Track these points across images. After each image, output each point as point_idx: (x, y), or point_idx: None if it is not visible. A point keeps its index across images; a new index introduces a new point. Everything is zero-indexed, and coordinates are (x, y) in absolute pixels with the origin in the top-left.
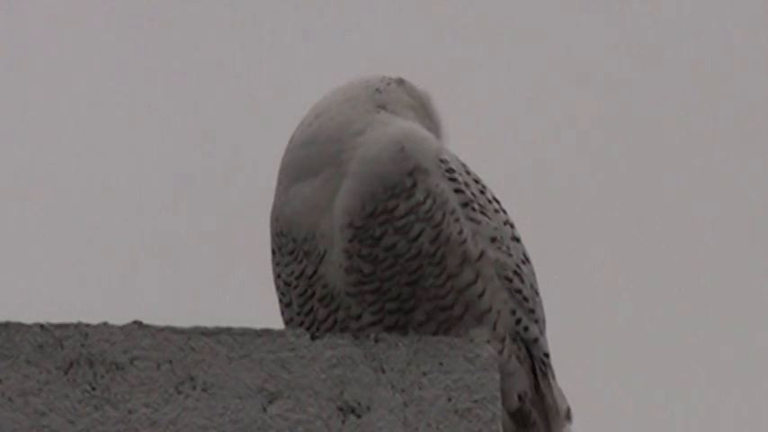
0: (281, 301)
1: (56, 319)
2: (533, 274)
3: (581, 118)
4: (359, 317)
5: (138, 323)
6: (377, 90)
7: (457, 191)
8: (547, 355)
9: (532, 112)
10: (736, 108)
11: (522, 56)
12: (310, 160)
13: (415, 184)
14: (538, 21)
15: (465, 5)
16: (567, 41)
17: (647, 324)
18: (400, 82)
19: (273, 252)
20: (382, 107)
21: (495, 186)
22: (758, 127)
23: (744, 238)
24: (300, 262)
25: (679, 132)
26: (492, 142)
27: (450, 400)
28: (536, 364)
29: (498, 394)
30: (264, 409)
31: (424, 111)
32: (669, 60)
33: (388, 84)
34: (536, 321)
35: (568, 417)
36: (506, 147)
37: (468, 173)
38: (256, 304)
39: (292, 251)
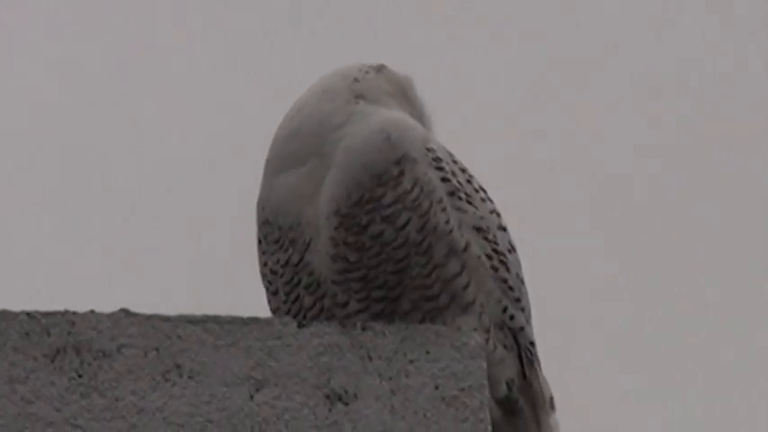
0: (267, 289)
1: (43, 307)
2: (519, 263)
3: (582, 116)
4: (345, 305)
5: (125, 311)
6: (354, 80)
7: (444, 180)
8: (532, 343)
9: (534, 111)
10: (737, 107)
11: (522, 54)
12: (294, 153)
13: (402, 173)
14: (539, 19)
15: (467, 4)
16: (568, 40)
17: (648, 324)
18: (380, 69)
19: (259, 241)
20: (361, 97)
21: (501, 181)
22: (759, 126)
23: (744, 237)
24: (286, 250)
25: (679, 132)
26: (495, 139)
27: (437, 388)
28: (522, 352)
29: (485, 382)
30: (251, 397)
31: (404, 97)
32: (670, 61)
33: (367, 72)
34: (522, 310)
35: (552, 405)
36: (508, 143)
37: (454, 162)
38: (243, 293)
39: (278, 239)
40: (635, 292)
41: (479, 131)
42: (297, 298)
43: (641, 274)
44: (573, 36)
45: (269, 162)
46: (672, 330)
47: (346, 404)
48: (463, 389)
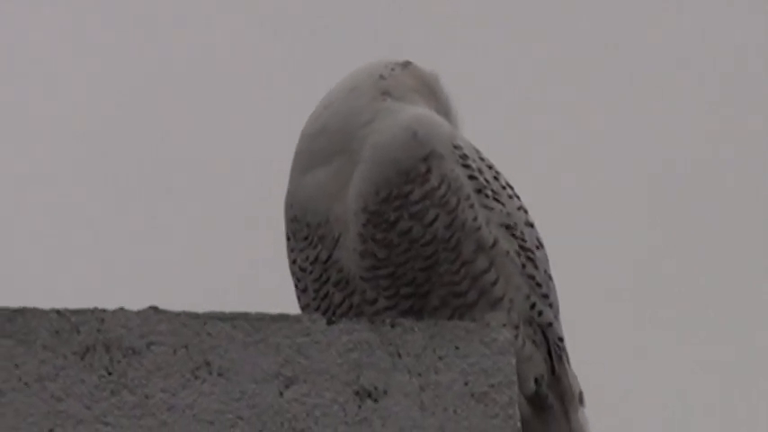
0: (296, 286)
1: (72, 305)
2: (547, 259)
3: (581, 116)
4: (374, 301)
5: (154, 308)
6: (380, 77)
7: (471, 177)
8: (561, 339)
9: (533, 111)
10: (735, 107)
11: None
12: (322, 150)
13: (429, 170)
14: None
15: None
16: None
17: (648, 323)
18: (405, 65)
19: (288, 238)
20: (387, 94)
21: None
22: (759, 125)
23: (744, 237)
24: (315, 247)
25: (680, 130)
26: (493, 138)
27: (466, 384)
28: (551, 347)
29: (515, 378)
30: (281, 394)
31: (430, 93)
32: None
33: (393, 69)
34: (550, 306)
35: (581, 400)
36: (507, 142)
37: (481, 158)
38: (273, 290)
39: (306, 236)
40: (635, 292)
41: (479, 129)
42: (326, 295)
43: (642, 273)
44: (578, 35)
45: (296, 159)
46: (672, 330)
47: (376, 401)
48: (493, 385)
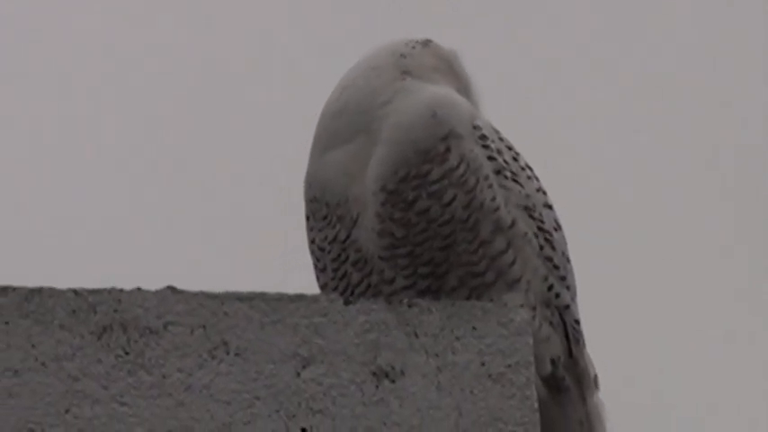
0: (315, 266)
1: (89, 285)
2: (565, 241)
3: (576, 116)
4: (392, 281)
5: (171, 288)
6: (401, 55)
7: (490, 158)
8: (577, 321)
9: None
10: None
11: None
12: (341, 130)
13: (448, 149)
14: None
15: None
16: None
17: (649, 323)
18: (426, 43)
19: (307, 218)
20: (407, 73)
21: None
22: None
23: (745, 236)
24: (334, 227)
25: (679, 128)
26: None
27: (483, 364)
28: (568, 329)
29: (532, 359)
30: (298, 374)
31: (450, 71)
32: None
33: (413, 47)
34: (567, 288)
35: (596, 384)
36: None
37: (501, 139)
38: (290, 269)
39: (325, 216)
40: (635, 291)
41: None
42: (344, 275)
43: (643, 272)
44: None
45: (316, 139)
46: (672, 329)
47: (393, 381)
48: (510, 365)
